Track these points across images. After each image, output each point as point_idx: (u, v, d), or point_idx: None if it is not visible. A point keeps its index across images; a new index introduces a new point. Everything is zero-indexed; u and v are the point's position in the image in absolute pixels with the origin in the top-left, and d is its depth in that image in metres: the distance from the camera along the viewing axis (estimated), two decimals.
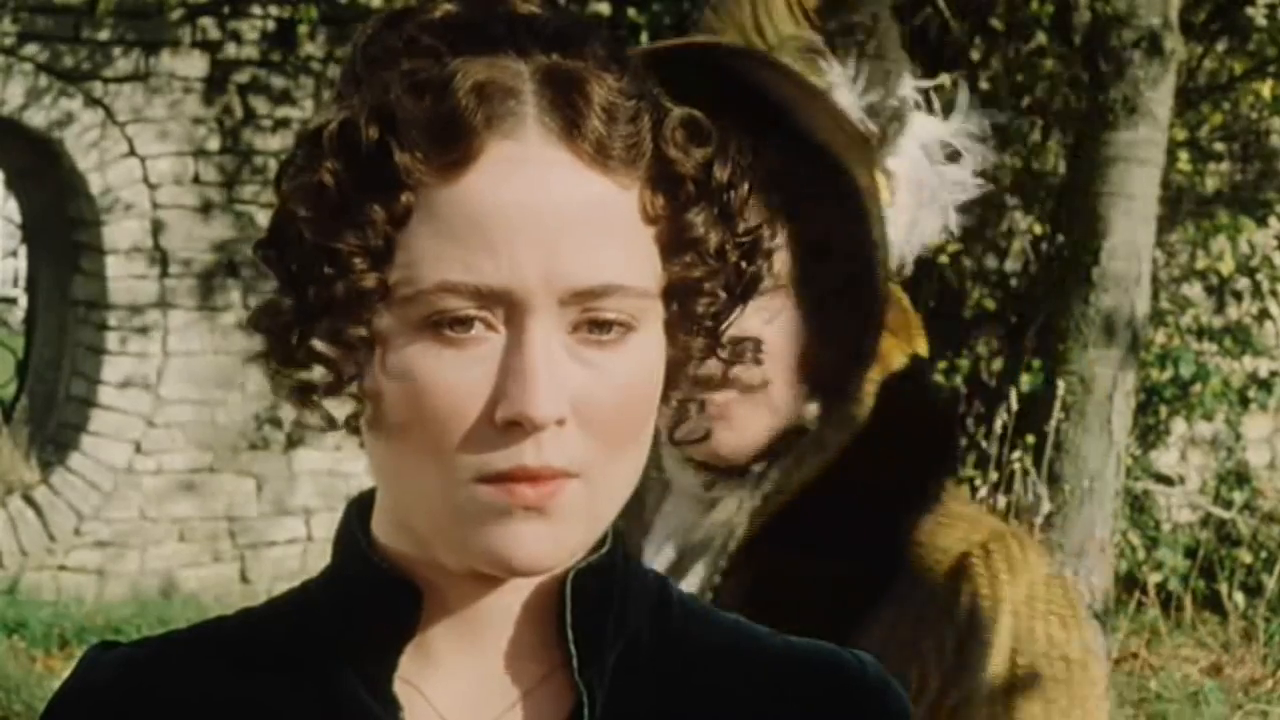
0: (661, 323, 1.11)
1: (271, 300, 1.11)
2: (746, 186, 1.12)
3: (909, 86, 1.78)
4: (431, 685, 1.14)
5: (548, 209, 1.05)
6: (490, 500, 1.07)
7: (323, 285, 1.08)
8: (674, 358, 1.13)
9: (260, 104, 8.98)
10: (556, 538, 1.08)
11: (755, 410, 1.67)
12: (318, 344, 1.10)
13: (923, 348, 1.77)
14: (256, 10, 8.94)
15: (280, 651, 1.16)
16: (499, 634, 1.15)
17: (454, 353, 1.06)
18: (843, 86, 1.74)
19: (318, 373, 1.10)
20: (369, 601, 1.14)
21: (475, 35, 1.08)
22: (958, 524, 1.70)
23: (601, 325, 1.07)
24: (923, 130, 1.80)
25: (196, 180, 8.88)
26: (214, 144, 8.91)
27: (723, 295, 1.13)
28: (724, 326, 1.15)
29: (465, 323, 1.06)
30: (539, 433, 1.06)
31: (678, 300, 1.11)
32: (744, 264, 1.13)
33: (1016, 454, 6.02)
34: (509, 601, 1.14)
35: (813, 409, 1.70)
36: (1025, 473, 5.88)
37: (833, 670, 1.20)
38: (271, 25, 8.97)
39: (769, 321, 1.64)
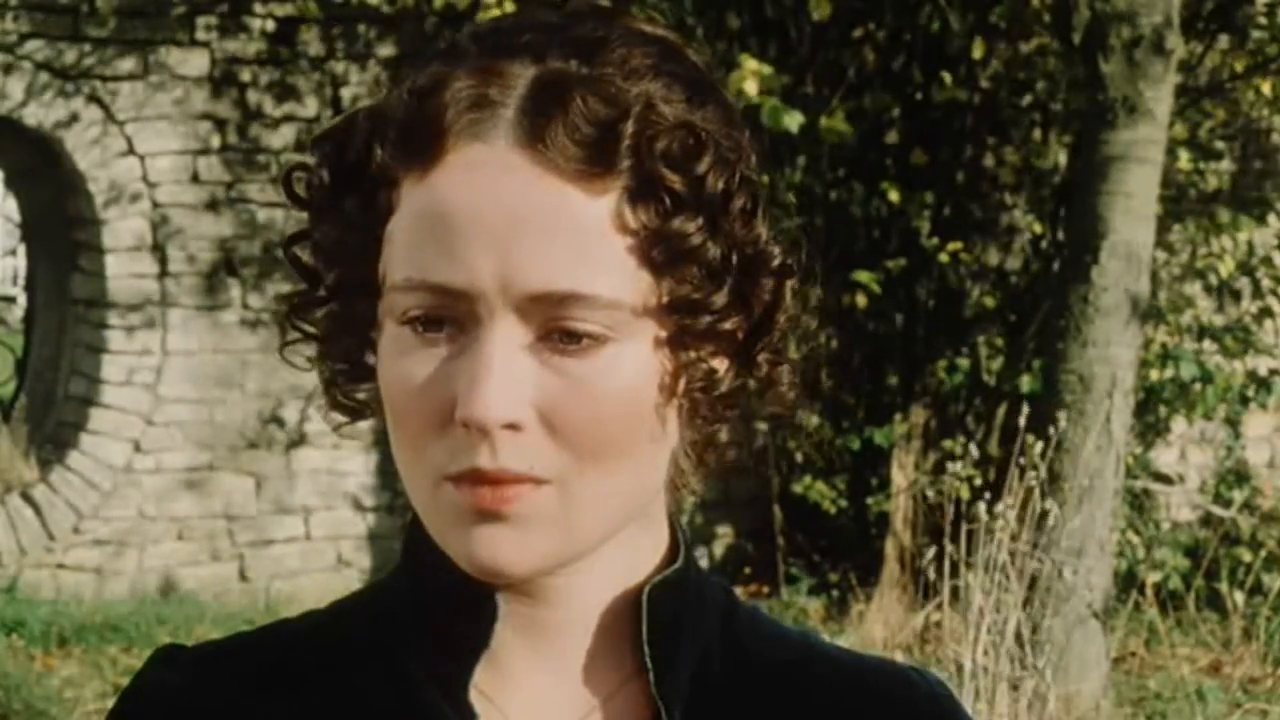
0: (653, 338, 1.07)
1: (289, 293, 1.14)
2: (748, 198, 1.08)
3: None
4: (504, 695, 1.13)
5: (499, 213, 1.05)
6: (454, 500, 1.07)
7: (323, 276, 1.11)
8: (676, 377, 1.09)
9: (261, 101, 8.98)
10: (521, 543, 1.07)
11: None
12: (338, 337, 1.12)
13: None
14: (258, 8, 8.93)
15: (352, 656, 1.15)
16: (568, 645, 1.14)
17: (425, 350, 1.07)
18: None
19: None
20: (445, 609, 1.13)
21: (504, 40, 1.09)
22: None
23: (570, 335, 1.05)
24: None
25: (196, 178, 8.88)
26: (214, 142, 8.91)
27: (734, 313, 1.08)
28: (757, 347, 1.10)
29: (434, 323, 1.06)
30: (493, 436, 1.04)
31: (680, 316, 1.08)
32: (750, 280, 1.09)
33: (1015, 453, 6.01)
34: (576, 613, 1.13)
35: None
36: (1022, 471, 5.87)
37: (902, 687, 1.20)
38: (272, 24, 8.96)
39: None
